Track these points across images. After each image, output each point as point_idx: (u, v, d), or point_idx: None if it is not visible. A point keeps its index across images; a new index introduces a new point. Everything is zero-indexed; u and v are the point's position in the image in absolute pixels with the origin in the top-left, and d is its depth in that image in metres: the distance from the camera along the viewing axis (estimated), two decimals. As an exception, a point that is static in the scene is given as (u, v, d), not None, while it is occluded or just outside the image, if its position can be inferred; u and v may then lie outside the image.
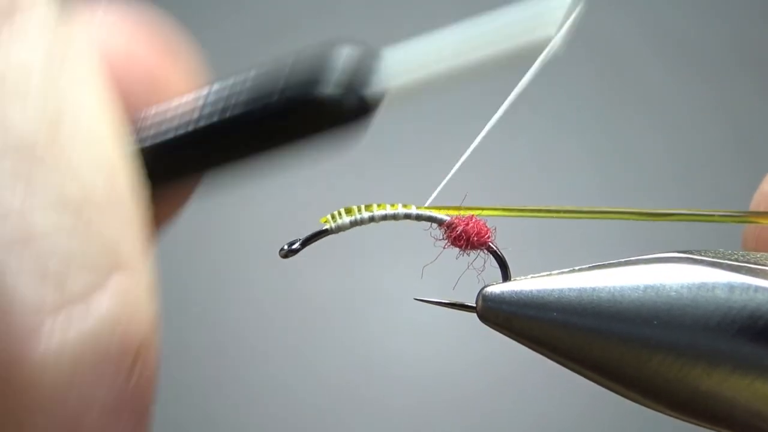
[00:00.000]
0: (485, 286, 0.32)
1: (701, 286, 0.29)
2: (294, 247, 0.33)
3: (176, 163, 0.28)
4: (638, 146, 1.24)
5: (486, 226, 0.33)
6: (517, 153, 1.22)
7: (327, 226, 0.33)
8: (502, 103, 0.29)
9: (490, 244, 0.33)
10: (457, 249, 0.34)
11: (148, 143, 0.28)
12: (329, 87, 0.27)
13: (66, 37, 0.24)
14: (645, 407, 0.31)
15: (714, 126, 1.25)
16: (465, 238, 0.33)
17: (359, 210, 0.33)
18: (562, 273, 0.32)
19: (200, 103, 0.28)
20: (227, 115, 0.27)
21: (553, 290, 0.31)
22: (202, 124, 0.28)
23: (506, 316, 0.32)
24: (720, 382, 0.29)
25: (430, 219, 0.33)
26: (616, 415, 1.08)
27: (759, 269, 0.30)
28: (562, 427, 1.11)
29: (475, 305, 0.32)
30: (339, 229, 0.33)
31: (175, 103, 0.29)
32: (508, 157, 1.22)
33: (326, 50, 0.27)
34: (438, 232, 0.34)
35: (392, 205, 0.33)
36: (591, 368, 0.31)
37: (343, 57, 0.27)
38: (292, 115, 0.27)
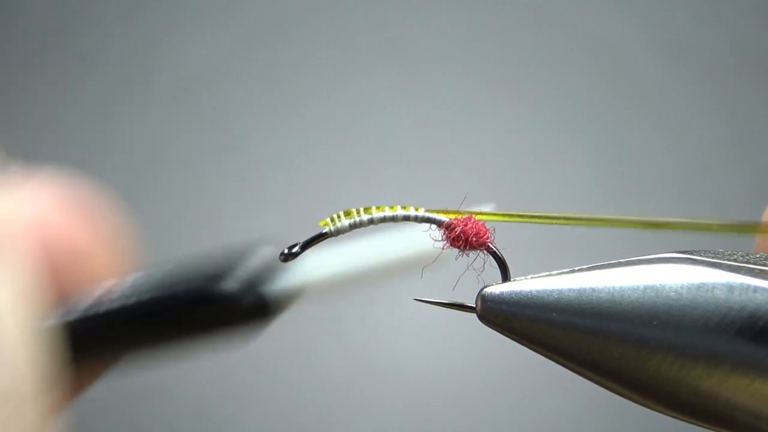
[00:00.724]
0: (485, 287, 0.32)
1: (701, 287, 0.29)
2: (294, 250, 0.33)
3: (91, 341, 0.30)
4: (638, 147, 1.24)
5: (485, 227, 0.33)
6: (517, 153, 1.22)
7: (326, 230, 0.33)
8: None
9: (490, 244, 0.33)
10: (457, 250, 0.33)
11: (69, 321, 0.29)
12: (231, 284, 0.28)
13: None
14: (645, 407, 0.31)
15: (714, 126, 1.25)
16: (464, 239, 0.33)
17: (358, 212, 0.33)
18: (562, 273, 0.32)
19: (117, 287, 0.29)
20: (135, 301, 0.29)
21: (552, 290, 0.31)
22: (113, 306, 0.29)
23: (506, 317, 0.32)
24: (719, 383, 0.29)
25: (429, 220, 0.33)
26: (616, 415, 1.08)
27: (759, 269, 0.30)
28: (562, 427, 1.11)
29: (474, 305, 0.32)
30: (338, 232, 0.33)
31: (96, 285, 0.30)
32: (507, 157, 1.22)
33: (239, 249, 0.29)
34: (437, 233, 0.34)
35: (391, 207, 0.33)
36: (590, 368, 0.31)
37: (253, 257, 0.29)
38: (195, 306, 0.28)
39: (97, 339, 0.29)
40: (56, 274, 0.29)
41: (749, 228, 0.35)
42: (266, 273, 0.29)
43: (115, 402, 1.11)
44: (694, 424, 0.31)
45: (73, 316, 0.29)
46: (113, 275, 0.30)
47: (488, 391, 1.12)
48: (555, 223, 0.34)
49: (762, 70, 1.27)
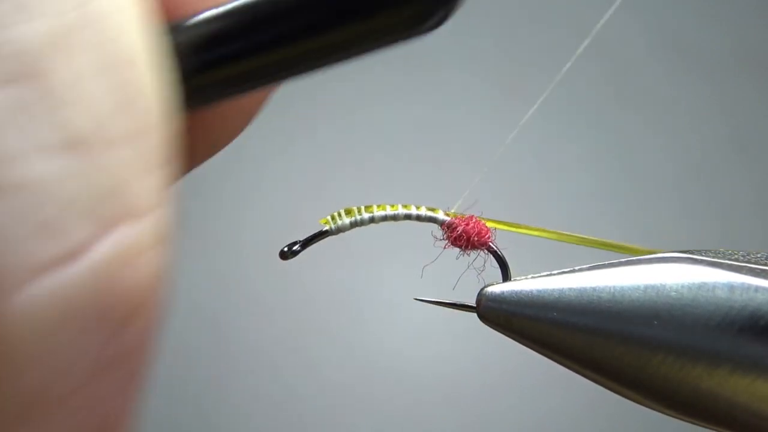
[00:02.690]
0: (485, 286, 0.32)
1: (702, 286, 0.29)
2: (294, 248, 0.33)
3: (225, 72, 0.23)
4: (639, 146, 1.24)
5: (486, 227, 0.33)
6: (517, 152, 1.22)
7: (327, 228, 0.33)
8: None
9: (491, 244, 0.33)
10: (458, 249, 0.34)
11: (190, 46, 0.23)
12: None
13: None
14: (645, 407, 0.31)
15: (714, 127, 1.25)
16: (465, 239, 0.33)
17: (359, 211, 0.33)
18: (563, 273, 0.32)
19: None
20: None
21: (553, 290, 0.31)
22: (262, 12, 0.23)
23: (506, 316, 0.31)
24: (720, 382, 0.29)
25: (431, 219, 0.33)
26: (616, 415, 1.08)
27: (759, 269, 0.29)
28: (561, 427, 1.11)
29: (475, 305, 0.32)
30: (339, 230, 0.33)
31: None
32: (508, 157, 1.22)
33: None
34: (438, 232, 0.34)
35: (392, 206, 0.33)
36: (591, 368, 0.31)
37: None
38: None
39: (234, 65, 0.23)
40: None
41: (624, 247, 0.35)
42: None
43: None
44: (694, 423, 0.31)
45: (200, 36, 0.23)
46: None
47: (488, 390, 1.12)
48: (548, 237, 0.35)
49: (762, 70, 1.27)
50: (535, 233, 0.35)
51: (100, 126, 0.19)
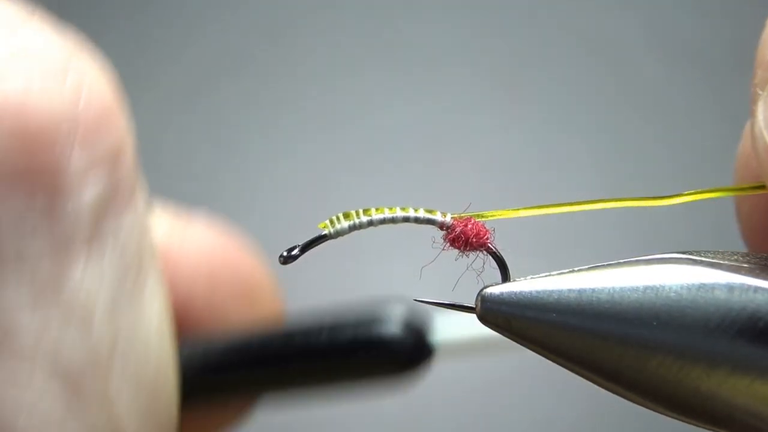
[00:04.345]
0: (484, 287, 0.32)
1: (701, 287, 0.29)
2: (293, 253, 0.33)
3: (227, 381, 0.29)
4: (639, 147, 1.24)
5: (485, 228, 0.33)
6: (517, 153, 1.22)
7: (326, 232, 0.33)
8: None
9: (489, 245, 0.33)
10: (456, 250, 0.33)
11: (202, 360, 0.28)
12: (393, 327, 0.28)
13: (140, 253, 0.25)
14: (644, 408, 0.31)
15: (715, 126, 1.25)
16: (464, 240, 0.33)
17: (357, 214, 0.32)
18: (562, 274, 0.32)
19: (276, 329, 0.29)
20: (296, 341, 0.28)
21: (552, 291, 0.31)
22: (273, 347, 0.28)
23: (505, 317, 0.31)
24: (719, 383, 0.29)
25: (429, 221, 0.33)
26: (616, 416, 1.08)
27: (759, 270, 0.30)
28: (561, 428, 1.11)
29: (474, 306, 0.32)
30: (338, 234, 0.33)
31: (259, 320, 0.29)
32: (508, 157, 1.22)
33: (382, 304, 0.29)
34: (437, 233, 0.34)
35: (390, 209, 0.33)
36: (590, 369, 0.31)
37: (399, 308, 0.29)
38: (359, 350, 0.28)
39: (249, 374, 0.28)
40: (228, 301, 0.29)
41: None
42: (418, 320, 0.28)
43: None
44: (693, 424, 0.31)
45: (231, 348, 0.28)
46: (274, 313, 0.30)
47: (488, 391, 1.12)
48: (546, 211, 0.35)
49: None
50: (529, 212, 0.35)
51: (123, 424, 0.23)
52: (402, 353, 0.27)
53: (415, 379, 0.27)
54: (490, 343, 0.27)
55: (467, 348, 0.27)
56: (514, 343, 0.30)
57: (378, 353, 0.27)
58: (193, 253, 0.29)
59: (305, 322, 0.28)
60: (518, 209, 0.34)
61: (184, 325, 0.29)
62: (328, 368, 0.27)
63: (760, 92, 0.33)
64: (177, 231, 0.29)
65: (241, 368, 0.28)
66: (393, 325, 0.27)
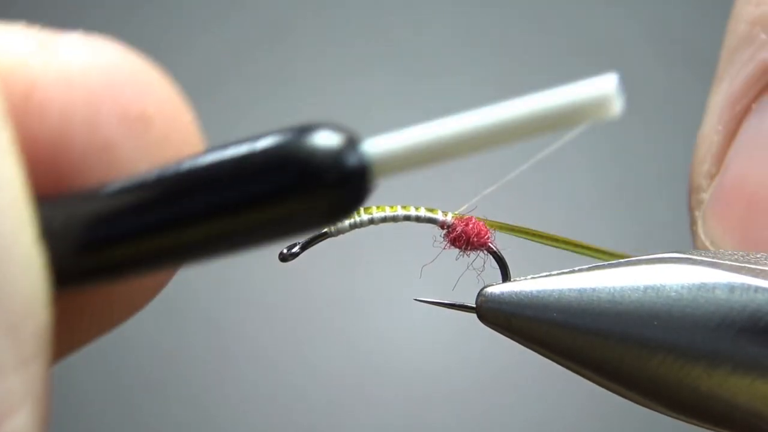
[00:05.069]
0: (485, 287, 0.32)
1: (701, 287, 0.29)
2: (293, 250, 0.33)
3: (114, 255, 0.21)
4: (640, 148, 1.24)
5: (485, 227, 0.33)
6: (516, 152, 1.22)
7: (326, 229, 0.33)
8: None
9: (490, 244, 0.33)
10: (457, 249, 0.33)
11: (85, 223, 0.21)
12: (321, 139, 0.21)
13: None
14: (645, 407, 0.31)
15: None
16: (465, 239, 0.33)
17: (358, 212, 0.32)
18: (562, 273, 0.31)
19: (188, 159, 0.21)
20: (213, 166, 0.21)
21: (552, 291, 0.31)
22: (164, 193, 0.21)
23: (506, 317, 0.31)
24: (720, 383, 0.29)
25: (430, 220, 0.33)
26: (616, 415, 1.08)
27: (759, 269, 0.29)
28: (561, 427, 1.11)
29: (474, 306, 0.32)
30: (338, 232, 0.33)
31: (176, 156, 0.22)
32: (505, 155, 1.22)
33: (310, 123, 0.22)
34: (438, 232, 0.34)
35: (391, 207, 0.33)
36: (591, 369, 0.31)
37: (328, 125, 0.22)
38: (283, 169, 0.21)
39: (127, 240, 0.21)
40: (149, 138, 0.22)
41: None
42: (352, 138, 0.22)
43: (114, 399, 1.11)
44: (694, 424, 0.31)
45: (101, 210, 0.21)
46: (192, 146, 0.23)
47: (488, 391, 1.12)
48: (548, 244, 0.35)
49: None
50: (535, 239, 0.35)
51: None
52: (330, 170, 0.21)
53: (350, 208, 0.21)
54: (434, 152, 0.22)
55: (407, 161, 0.22)
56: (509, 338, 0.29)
57: (300, 176, 0.21)
58: (62, 77, 0.22)
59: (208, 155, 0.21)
60: (516, 227, 0.34)
61: (59, 180, 0.22)
62: (241, 207, 0.21)
63: (697, 213, 0.35)
64: (38, 53, 0.22)
65: (131, 230, 0.21)
66: (313, 137, 0.21)
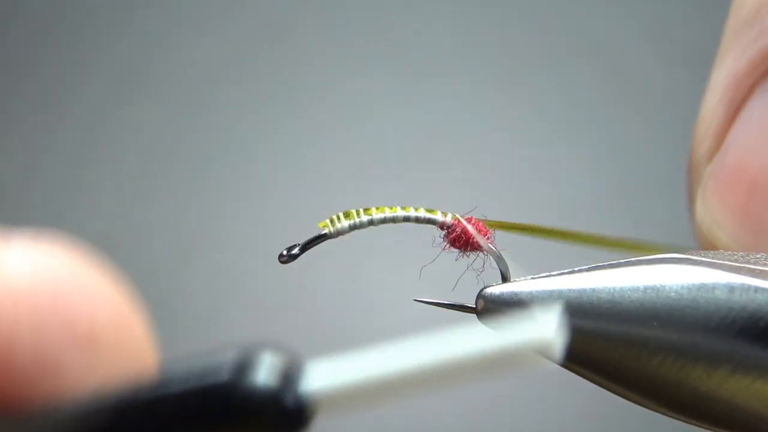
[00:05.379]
0: (484, 287, 0.32)
1: (701, 287, 0.29)
2: (293, 252, 0.32)
3: None
4: (640, 149, 1.24)
5: (485, 227, 0.33)
6: (517, 155, 1.22)
7: (326, 231, 0.33)
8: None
9: (490, 245, 0.33)
10: (457, 250, 0.33)
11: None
12: (261, 376, 0.21)
13: None
14: (644, 408, 0.31)
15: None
16: (465, 240, 0.33)
17: (358, 213, 0.32)
18: (562, 274, 0.31)
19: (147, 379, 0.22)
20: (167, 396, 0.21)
21: (552, 291, 0.31)
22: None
23: (505, 317, 0.31)
24: (720, 384, 0.29)
25: (430, 221, 0.33)
26: (616, 415, 1.08)
27: (759, 270, 0.29)
28: (560, 427, 1.11)
29: (474, 306, 0.32)
30: (338, 233, 0.33)
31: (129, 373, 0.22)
32: (507, 159, 1.22)
33: (249, 348, 0.23)
34: (437, 232, 0.34)
35: (391, 208, 0.33)
36: (590, 369, 0.31)
37: (271, 354, 0.22)
38: (223, 410, 0.21)
39: None
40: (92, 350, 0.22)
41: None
42: (292, 369, 0.22)
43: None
44: (694, 424, 0.31)
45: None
46: (143, 368, 0.23)
47: (487, 391, 1.12)
48: (553, 239, 0.35)
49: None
50: (538, 234, 0.35)
51: None
52: (268, 411, 0.20)
53: None
54: (384, 388, 0.21)
55: (356, 397, 0.22)
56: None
57: (239, 410, 0.20)
58: (9, 284, 0.21)
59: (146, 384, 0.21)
60: (516, 224, 0.34)
61: (3, 395, 0.22)
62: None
63: (697, 189, 0.35)
64: None
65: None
66: (254, 374, 0.21)
